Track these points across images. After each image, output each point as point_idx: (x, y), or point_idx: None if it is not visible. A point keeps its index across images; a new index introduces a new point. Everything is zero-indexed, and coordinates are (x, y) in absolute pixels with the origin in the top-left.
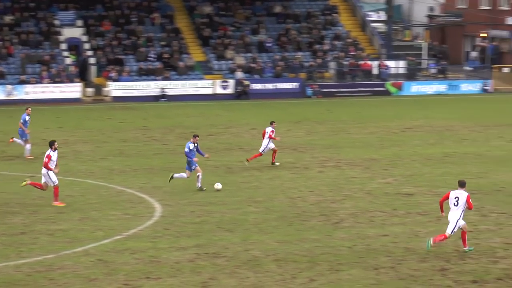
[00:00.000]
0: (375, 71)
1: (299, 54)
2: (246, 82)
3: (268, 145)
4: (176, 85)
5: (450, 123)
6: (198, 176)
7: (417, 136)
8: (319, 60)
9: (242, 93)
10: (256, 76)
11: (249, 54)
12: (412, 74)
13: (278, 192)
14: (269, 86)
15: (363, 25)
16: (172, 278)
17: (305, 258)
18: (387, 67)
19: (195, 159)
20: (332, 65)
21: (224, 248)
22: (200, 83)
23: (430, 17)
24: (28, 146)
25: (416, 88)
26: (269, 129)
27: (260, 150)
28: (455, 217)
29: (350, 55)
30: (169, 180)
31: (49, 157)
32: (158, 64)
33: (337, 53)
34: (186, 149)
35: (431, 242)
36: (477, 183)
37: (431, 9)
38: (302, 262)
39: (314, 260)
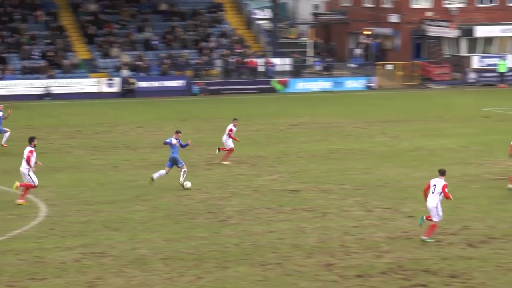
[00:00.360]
0: (261, 68)
1: (185, 52)
2: (132, 80)
3: (225, 142)
4: (61, 83)
5: (335, 119)
6: (161, 173)
7: (303, 133)
8: (205, 58)
9: (128, 91)
10: (142, 74)
11: (135, 52)
12: (297, 72)
13: (165, 190)
14: (155, 84)
15: (249, 22)
16: (58, 279)
17: (192, 256)
18: (273, 65)
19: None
20: (218, 62)
21: (110, 247)
22: (85, 81)
23: (315, 14)
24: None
25: (301, 85)
26: (229, 126)
27: (231, 148)
28: (432, 204)
29: (236, 52)
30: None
31: (31, 152)
32: (42, 62)
33: (223, 51)
34: (168, 140)
35: (425, 218)
36: (362, 179)
37: (316, 7)
38: (189, 260)
39: (201, 257)
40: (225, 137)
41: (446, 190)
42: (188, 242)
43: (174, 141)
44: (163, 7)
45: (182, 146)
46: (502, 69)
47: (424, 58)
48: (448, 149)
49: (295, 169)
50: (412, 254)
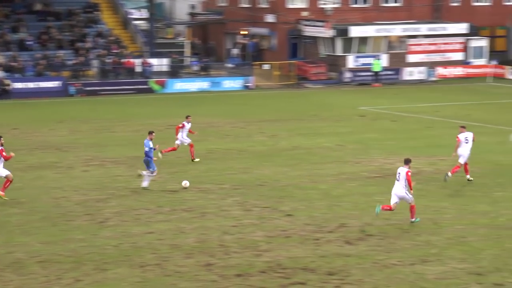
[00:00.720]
0: (138, 69)
1: (61, 52)
2: (7, 81)
3: (183, 139)
4: None
5: (213, 119)
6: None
7: None
8: (81, 58)
9: (2, 93)
10: (17, 75)
11: (10, 53)
12: (175, 72)
13: (41, 193)
14: (31, 85)
15: (125, 23)
16: None
17: (70, 258)
18: (150, 65)
19: (155, 158)
20: (95, 63)
21: None
22: None
23: (192, 15)
24: None
25: (179, 85)
26: (183, 123)
27: (190, 142)
28: (400, 191)
29: (113, 53)
30: (138, 175)
31: (2, 150)
32: None
33: (99, 51)
34: (146, 148)
35: (380, 208)
36: (240, 178)
37: (193, 7)
38: (67, 263)
39: (79, 260)
40: (180, 135)
41: (409, 174)
42: (66, 245)
43: (151, 144)
44: (38, 7)
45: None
46: (376, 68)
47: (300, 57)
48: (325, 147)
49: (174, 170)
50: (291, 252)
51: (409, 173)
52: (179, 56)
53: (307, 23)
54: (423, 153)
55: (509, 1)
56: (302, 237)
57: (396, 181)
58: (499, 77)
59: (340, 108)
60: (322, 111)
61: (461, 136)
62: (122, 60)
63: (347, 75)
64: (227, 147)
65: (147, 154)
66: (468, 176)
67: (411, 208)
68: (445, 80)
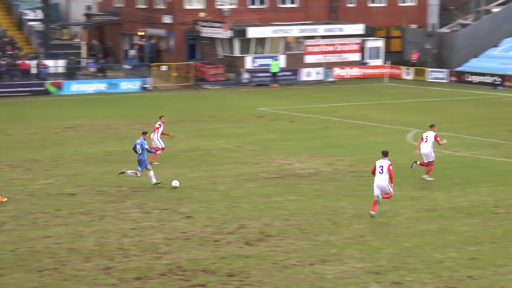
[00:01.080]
0: (33, 70)
1: None
2: None
3: (156, 141)
4: None
5: (110, 121)
6: (135, 173)
7: (79, 135)
8: None
9: None
10: None
11: None
12: (71, 73)
13: None
14: None
15: (20, 23)
16: None
17: None
18: (46, 66)
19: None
20: None
21: None
22: None
23: (88, 15)
24: None
25: (76, 87)
26: (157, 123)
27: (162, 146)
28: (383, 183)
29: (7, 54)
30: (120, 173)
31: None
32: None
33: None
34: (147, 147)
35: (381, 198)
36: (139, 181)
37: (89, 7)
38: None
39: None
40: (155, 136)
41: (391, 167)
42: None
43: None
44: None
45: (147, 150)
46: (274, 69)
47: (198, 59)
48: (224, 149)
49: (71, 172)
50: (191, 254)
51: (391, 166)
52: (76, 58)
53: (205, 24)
54: (321, 153)
55: (404, 2)
56: (202, 238)
57: (378, 174)
58: (395, 78)
59: (238, 109)
60: (220, 112)
61: (424, 135)
62: (17, 62)
63: (245, 76)
64: (125, 149)
65: (149, 151)
66: (425, 176)
67: (387, 197)
68: (342, 80)
